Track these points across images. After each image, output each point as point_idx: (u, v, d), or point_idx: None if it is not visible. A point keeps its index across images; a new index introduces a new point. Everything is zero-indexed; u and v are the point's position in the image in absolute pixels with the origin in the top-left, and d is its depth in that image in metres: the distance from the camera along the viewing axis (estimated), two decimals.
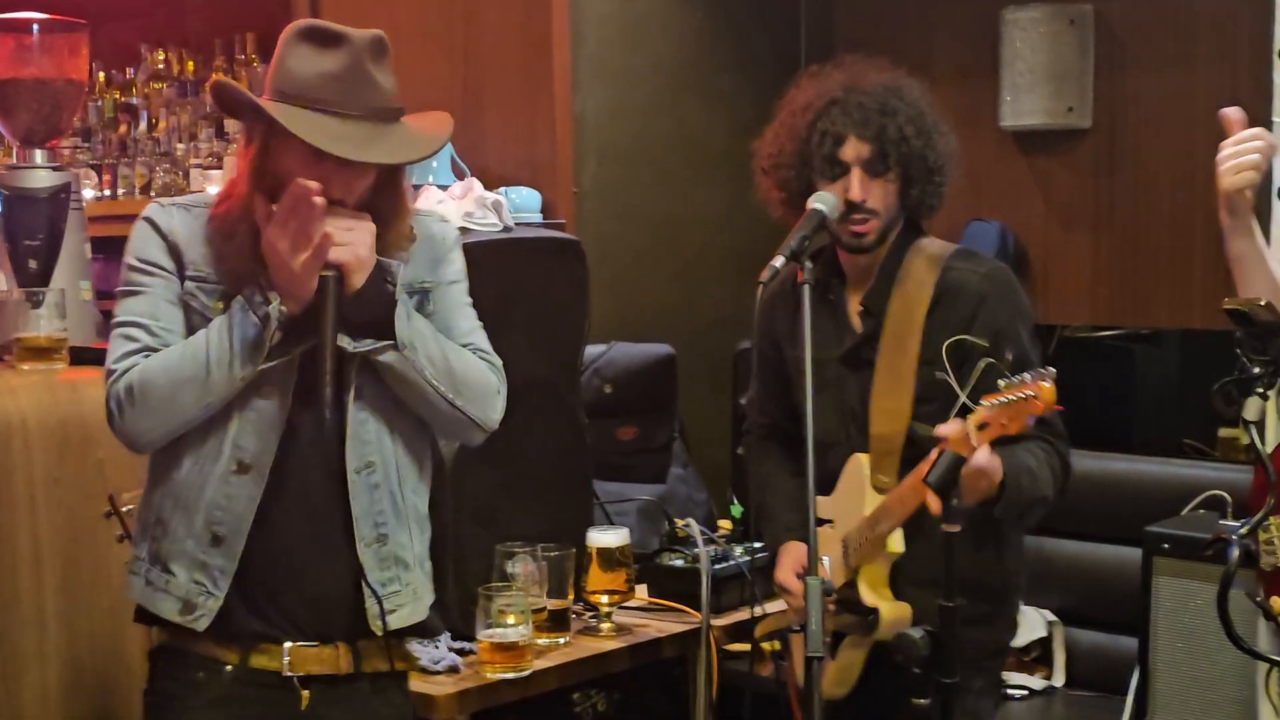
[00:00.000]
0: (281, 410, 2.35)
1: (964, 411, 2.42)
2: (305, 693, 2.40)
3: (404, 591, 2.45)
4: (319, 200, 2.26)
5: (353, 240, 2.30)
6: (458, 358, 2.45)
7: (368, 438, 2.41)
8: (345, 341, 2.33)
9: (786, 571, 2.85)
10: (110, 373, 2.34)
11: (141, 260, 2.38)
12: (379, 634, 2.44)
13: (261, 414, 2.35)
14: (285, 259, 2.27)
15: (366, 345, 2.36)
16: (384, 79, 2.34)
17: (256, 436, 2.35)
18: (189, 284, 2.37)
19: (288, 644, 2.40)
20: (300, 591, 2.40)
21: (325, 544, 2.41)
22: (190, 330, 2.35)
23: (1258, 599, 2.50)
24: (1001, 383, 2.31)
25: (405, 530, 2.46)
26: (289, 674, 2.40)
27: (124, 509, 2.81)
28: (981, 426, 2.34)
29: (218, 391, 2.31)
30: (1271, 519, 2.50)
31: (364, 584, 2.41)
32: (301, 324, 2.31)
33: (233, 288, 2.33)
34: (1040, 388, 2.25)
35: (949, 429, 2.42)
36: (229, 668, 2.39)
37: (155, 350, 2.33)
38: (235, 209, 2.35)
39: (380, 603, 2.42)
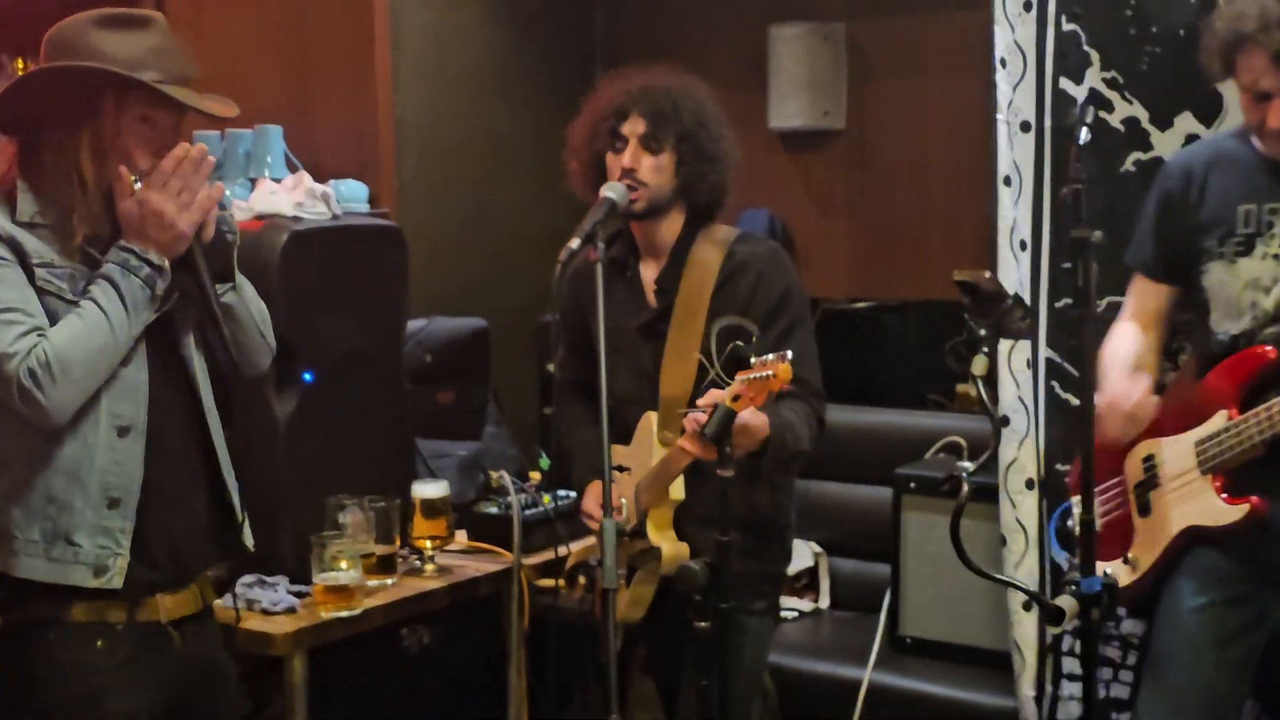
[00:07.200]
0: (142, 370, 2.28)
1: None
2: (177, 634, 2.35)
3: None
4: (210, 159, 2.21)
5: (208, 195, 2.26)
6: (252, 289, 2.44)
7: (204, 381, 2.39)
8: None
9: (591, 503, 2.89)
10: (6, 356, 2.14)
11: None
12: (250, 550, 2.45)
13: (127, 379, 2.26)
14: (172, 219, 2.21)
15: (224, 289, 2.32)
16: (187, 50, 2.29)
17: (128, 400, 2.26)
18: (40, 271, 2.20)
19: (160, 595, 2.32)
20: (177, 531, 2.34)
21: (193, 483, 2.37)
22: (48, 314, 2.20)
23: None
24: (753, 360, 2.39)
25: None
26: (165, 621, 2.33)
27: None
28: (735, 398, 2.42)
29: (121, 352, 2.22)
30: (1073, 497, 2.62)
31: (235, 508, 2.41)
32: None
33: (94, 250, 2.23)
34: (778, 367, 2.34)
35: (711, 399, 2.48)
36: (120, 626, 2.27)
37: (41, 329, 2.17)
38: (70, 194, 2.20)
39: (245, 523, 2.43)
